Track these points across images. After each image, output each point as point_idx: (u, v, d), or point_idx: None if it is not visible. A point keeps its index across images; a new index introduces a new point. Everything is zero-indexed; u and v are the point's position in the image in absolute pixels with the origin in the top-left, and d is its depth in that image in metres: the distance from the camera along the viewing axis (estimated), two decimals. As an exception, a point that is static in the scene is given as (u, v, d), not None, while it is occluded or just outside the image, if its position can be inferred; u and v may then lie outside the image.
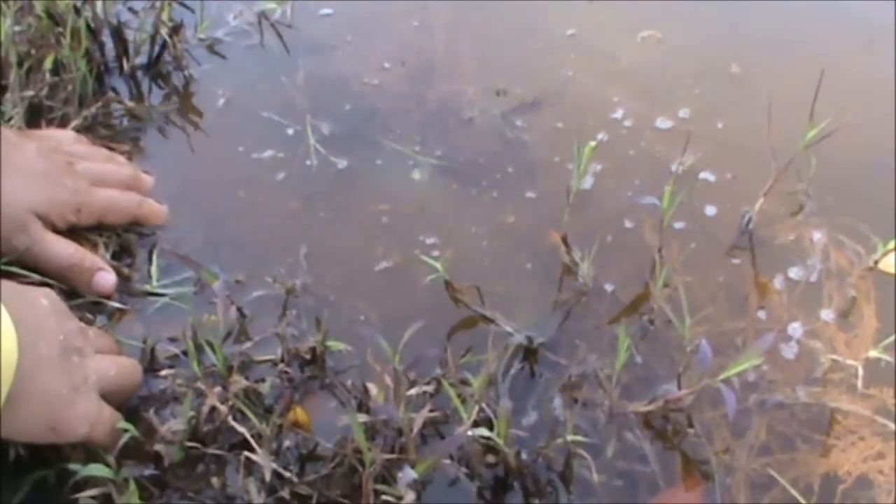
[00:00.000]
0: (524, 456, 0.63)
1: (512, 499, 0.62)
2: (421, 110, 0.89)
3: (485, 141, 0.87)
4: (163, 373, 0.65)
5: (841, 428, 0.67)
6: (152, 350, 0.66)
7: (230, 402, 0.62)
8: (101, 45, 0.87)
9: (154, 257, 0.73)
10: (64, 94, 0.83)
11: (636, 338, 0.72)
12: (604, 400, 0.67)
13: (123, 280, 0.71)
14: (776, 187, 0.78)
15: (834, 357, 0.71)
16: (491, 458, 0.63)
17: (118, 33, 0.87)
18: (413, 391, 0.63)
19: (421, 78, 0.93)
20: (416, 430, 0.60)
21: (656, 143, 0.87)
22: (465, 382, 0.66)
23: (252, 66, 0.92)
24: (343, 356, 0.68)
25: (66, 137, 0.76)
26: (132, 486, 0.57)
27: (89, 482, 0.58)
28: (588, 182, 0.83)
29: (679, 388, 0.66)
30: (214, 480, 0.61)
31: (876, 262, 0.78)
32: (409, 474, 0.57)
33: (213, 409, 0.62)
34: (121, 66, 0.88)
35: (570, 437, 0.62)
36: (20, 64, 0.81)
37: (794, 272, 0.78)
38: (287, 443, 0.63)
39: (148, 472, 0.60)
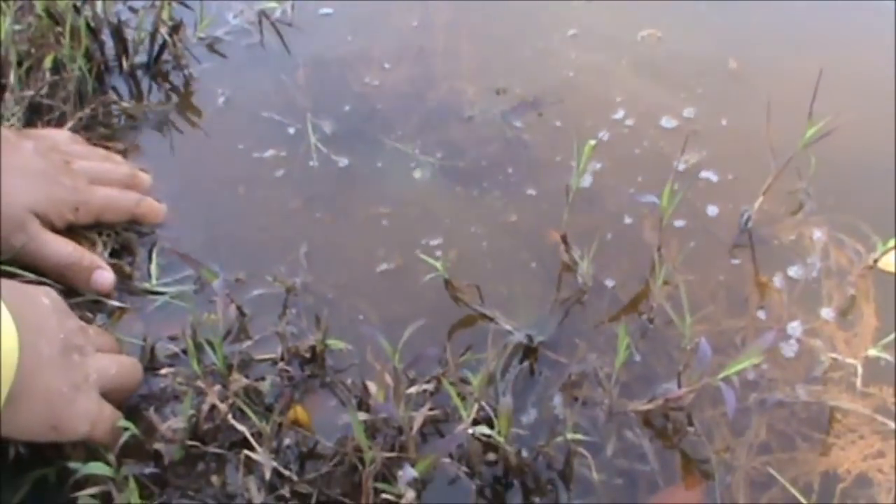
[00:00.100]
0: (524, 454, 0.63)
1: (512, 497, 0.62)
2: (421, 109, 0.89)
3: (485, 140, 0.87)
4: (163, 371, 0.65)
5: (840, 426, 0.67)
6: (152, 348, 0.66)
7: (230, 401, 0.62)
8: (101, 44, 0.87)
9: (154, 256, 0.73)
10: (63, 94, 0.83)
11: (636, 336, 0.72)
12: (604, 398, 0.67)
13: (123, 278, 0.71)
14: (776, 186, 0.78)
15: (834, 356, 0.71)
16: (491, 457, 0.63)
17: (118, 32, 0.87)
18: (413, 389, 0.63)
19: (421, 77, 0.93)
20: (416, 428, 0.60)
21: (656, 142, 0.87)
22: (464, 381, 0.66)
23: (252, 64, 0.92)
24: (343, 355, 0.68)
25: (62, 137, 0.76)
26: (132, 484, 0.57)
27: (89, 480, 0.58)
28: (588, 181, 0.83)
29: (679, 386, 0.66)
30: (214, 479, 0.61)
31: (876, 261, 0.78)
32: (409, 473, 0.57)
33: (213, 407, 0.62)
34: (121, 65, 0.88)
35: (570, 436, 0.62)
36: (20, 63, 0.81)
37: (793, 271, 0.78)
38: (287, 441, 0.63)
39: (148, 470, 0.60)
